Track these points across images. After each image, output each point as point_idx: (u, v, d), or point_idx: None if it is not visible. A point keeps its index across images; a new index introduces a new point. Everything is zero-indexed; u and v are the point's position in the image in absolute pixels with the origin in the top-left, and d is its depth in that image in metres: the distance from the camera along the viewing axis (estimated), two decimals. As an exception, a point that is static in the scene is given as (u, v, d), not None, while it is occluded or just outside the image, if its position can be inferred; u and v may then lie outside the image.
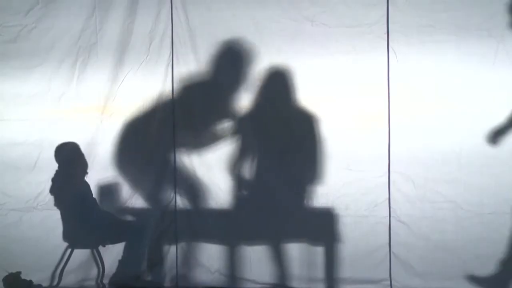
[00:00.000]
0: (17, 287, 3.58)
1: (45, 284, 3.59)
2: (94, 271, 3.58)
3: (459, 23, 3.18)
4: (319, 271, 3.42)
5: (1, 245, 3.59)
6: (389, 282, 3.35)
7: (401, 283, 3.34)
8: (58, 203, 3.55)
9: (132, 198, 3.56)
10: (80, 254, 3.57)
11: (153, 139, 3.52)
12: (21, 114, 3.56)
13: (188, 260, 3.55)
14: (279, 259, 3.49)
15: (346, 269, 3.38)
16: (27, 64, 3.52)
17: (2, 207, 3.57)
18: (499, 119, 3.19)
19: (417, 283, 3.32)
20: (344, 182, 3.34)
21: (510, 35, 3.14)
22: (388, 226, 3.33)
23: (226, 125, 3.49)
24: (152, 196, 3.57)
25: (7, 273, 3.57)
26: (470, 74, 3.20)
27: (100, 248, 3.56)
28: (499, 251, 3.21)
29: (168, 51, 3.49)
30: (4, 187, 3.57)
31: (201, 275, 3.54)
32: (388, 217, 3.33)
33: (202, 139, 3.50)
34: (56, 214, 3.54)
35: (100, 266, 3.55)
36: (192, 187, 3.53)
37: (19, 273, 3.57)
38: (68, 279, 3.59)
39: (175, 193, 3.53)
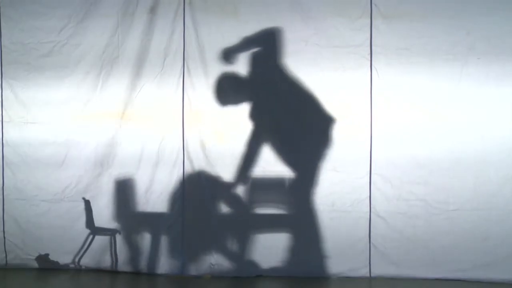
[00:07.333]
0: (46, 266, 3.96)
1: (70, 265, 3.93)
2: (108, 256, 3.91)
3: (431, 49, 3.61)
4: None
5: (33, 230, 3.93)
6: (368, 269, 3.71)
7: (378, 269, 3.70)
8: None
9: None
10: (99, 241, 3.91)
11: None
12: (51, 117, 3.90)
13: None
14: None
15: (332, 257, 3.71)
16: (59, 75, 3.87)
17: (34, 198, 3.92)
18: (464, 129, 3.60)
19: (393, 270, 3.68)
20: (330, 182, 3.70)
21: (472, 60, 3.58)
22: (369, 220, 3.69)
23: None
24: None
25: (38, 254, 3.95)
26: (439, 90, 3.62)
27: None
28: (461, 242, 3.60)
29: (180, 65, 3.80)
30: (36, 181, 3.92)
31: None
32: (368, 213, 3.69)
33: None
34: (80, 205, 3.89)
35: (113, 252, 3.87)
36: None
37: (47, 254, 3.96)
38: (87, 261, 3.92)
39: (184, 188, 3.82)
